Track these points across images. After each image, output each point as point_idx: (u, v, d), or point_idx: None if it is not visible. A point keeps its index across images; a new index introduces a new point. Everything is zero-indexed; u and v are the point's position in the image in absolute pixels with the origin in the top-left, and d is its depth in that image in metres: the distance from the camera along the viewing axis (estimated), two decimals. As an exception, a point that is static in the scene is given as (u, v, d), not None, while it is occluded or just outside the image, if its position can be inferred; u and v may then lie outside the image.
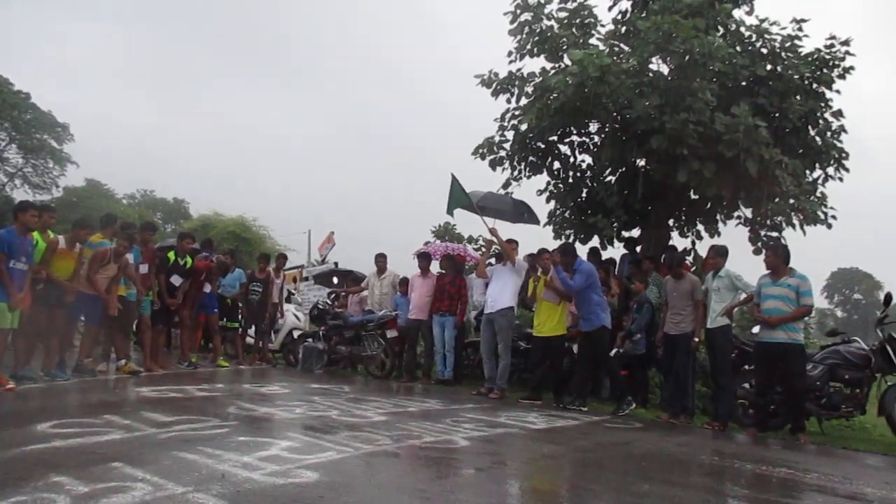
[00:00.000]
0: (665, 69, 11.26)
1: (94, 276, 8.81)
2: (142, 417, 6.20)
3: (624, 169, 12.06)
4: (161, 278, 10.29)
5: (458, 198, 10.78)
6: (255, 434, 5.89)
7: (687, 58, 10.30)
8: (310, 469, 4.67)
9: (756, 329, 8.15)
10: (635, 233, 12.61)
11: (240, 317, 12.37)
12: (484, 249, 11.74)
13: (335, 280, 16.54)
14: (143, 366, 9.91)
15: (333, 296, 13.74)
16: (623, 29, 12.39)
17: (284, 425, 6.56)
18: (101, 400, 7.52)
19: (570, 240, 12.93)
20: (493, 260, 11.41)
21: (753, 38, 11.52)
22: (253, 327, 12.66)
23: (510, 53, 12.70)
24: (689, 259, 11.78)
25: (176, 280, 10.49)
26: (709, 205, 11.94)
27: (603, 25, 12.62)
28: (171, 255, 10.57)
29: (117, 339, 9.65)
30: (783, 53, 11.33)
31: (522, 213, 11.81)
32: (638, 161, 11.72)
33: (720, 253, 8.57)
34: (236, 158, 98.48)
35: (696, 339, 8.44)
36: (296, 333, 13.70)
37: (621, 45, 11.98)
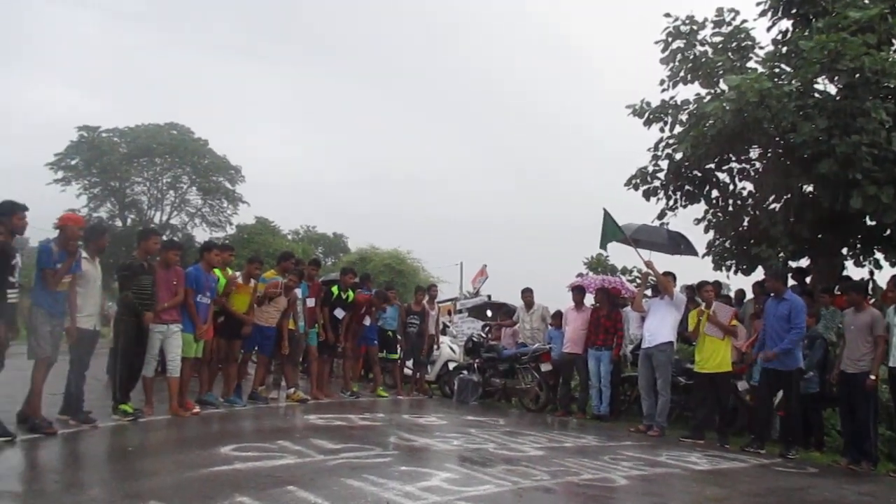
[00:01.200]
0: (832, 89, 10.64)
1: (261, 300, 9.44)
2: (311, 444, 6.58)
3: (789, 195, 11.45)
4: (325, 311, 10.87)
5: (612, 232, 10.67)
6: (416, 464, 6.09)
7: (857, 76, 9.72)
8: (469, 501, 4.79)
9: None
10: (804, 262, 11.89)
11: (398, 348, 12.79)
12: (639, 282, 11.47)
13: (489, 312, 16.77)
14: (310, 394, 10.48)
15: (487, 328, 13.89)
16: (784, 49, 11.85)
17: (443, 456, 6.73)
18: (274, 426, 8.05)
19: (732, 271, 12.42)
20: (649, 292, 11.13)
21: (934, 50, 10.66)
22: (411, 359, 13.04)
23: (662, 82, 12.52)
24: (869, 291, 10.92)
25: (339, 313, 11.05)
26: (888, 231, 11.06)
27: (761, 47, 12.17)
28: (335, 289, 11.15)
29: (287, 369, 10.28)
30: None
31: (679, 244, 11.48)
32: (805, 187, 11.10)
33: (901, 285, 7.90)
34: (391, 194, 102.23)
35: (873, 378, 7.76)
36: (451, 365, 13.95)
37: (782, 66, 11.46)
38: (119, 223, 42.50)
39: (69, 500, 4.30)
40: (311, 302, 10.58)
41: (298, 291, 10.11)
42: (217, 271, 8.99)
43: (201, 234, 44.95)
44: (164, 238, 9.84)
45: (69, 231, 6.90)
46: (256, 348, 9.89)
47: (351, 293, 11.27)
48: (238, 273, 9.53)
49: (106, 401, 7.80)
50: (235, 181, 46.86)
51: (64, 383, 7.12)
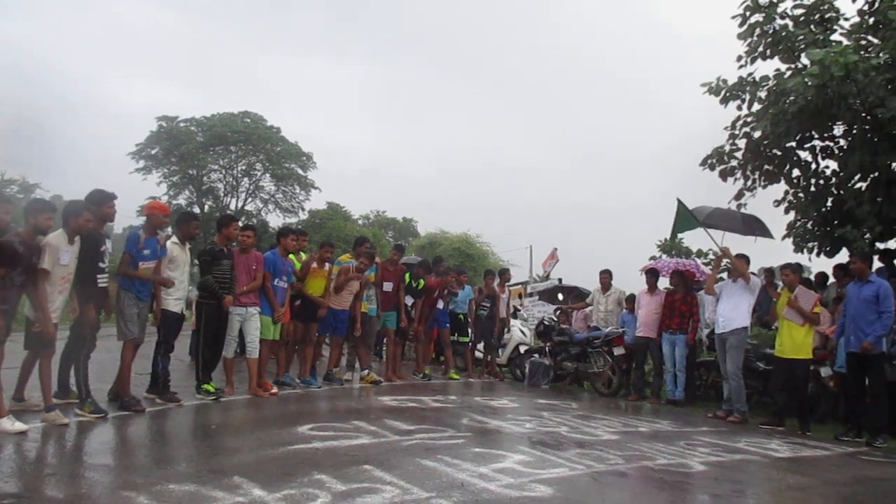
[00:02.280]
0: (925, 61, 10.08)
1: (340, 290, 9.62)
2: (385, 424, 6.70)
3: (877, 174, 10.92)
4: (402, 296, 11.01)
5: (686, 222, 10.42)
6: (489, 446, 6.13)
7: (951, 46, 9.17)
8: (543, 483, 4.79)
9: None
10: (892, 244, 11.35)
11: (469, 332, 12.84)
12: (713, 265, 11.18)
13: (560, 296, 16.64)
14: (384, 376, 10.66)
15: (558, 311, 13.82)
16: (871, 20, 11.26)
17: (516, 439, 6.75)
18: (349, 406, 8.23)
19: (814, 253, 11.97)
20: (724, 275, 10.85)
21: None
22: (482, 342, 13.09)
23: (740, 58, 12.07)
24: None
25: (408, 300, 11.17)
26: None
27: (846, 19, 11.58)
28: (407, 277, 11.28)
29: (360, 351, 10.46)
30: None
31: (754, 227, 11.13)
32: (893, 164, 10.58)
33: None
34: (457, 180, 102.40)
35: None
36: (522, 348, 13.94)
37: (869, 38, 10.91)
38: (197, 210, 43.86)
39: (159, 475, 4.50)
40: (388, 286, 10.73)
41: (385, 284, 10.30)
42: (292, 256, 9.22)
43: (275, 220, 46.20)
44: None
45: (155, 219, 7.21)
46: (332, 331, 10.10)
47: (422, 282, 11.37)
48: (314, 258, 9.74)
49: (189, 381, 8.12)
50: (307, 167, 47.77)
51: (150, 364, 7.46)
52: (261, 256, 8.51)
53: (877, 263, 10.91)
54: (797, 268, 9.52)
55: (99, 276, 6.58)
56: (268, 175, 47.55)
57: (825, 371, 9.23)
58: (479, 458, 5.48)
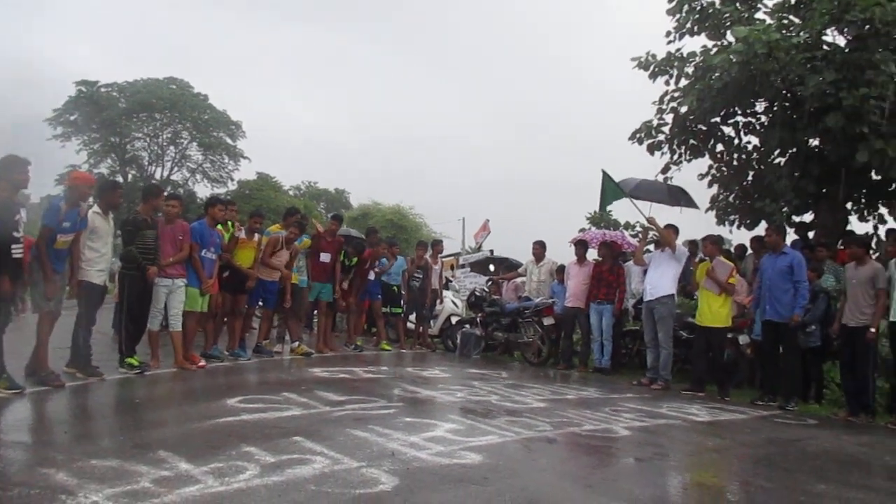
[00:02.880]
0: (841, 41, 10.48)
1: (269, 259, 9.47)
2: (316, 396, 6.66)
3: (795, 150, 11.34)
4: (339, 268, 10.91)
5: (612, 193, 10.59)
6: (420, 415, 6.17)
7: (867, 27, 9.55)
8: (473, 451, 4.85)
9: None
10: (808, 217, 11.85)
11: (402, 303, 12.85)
12: (641, 236, 11.46)
13: (491, 267, 16.79)
14: (315, 347, 10.58)
15: (490, 282, 13.95)
16: (793, 0, 11.63)
17: (447, 408, 6.81)
18: (279, 378, 8.13)
19: (735, 226, 12.39)
20: (651, 246, 11.13)
21: (946, 2, 10.44)
22: (413, 313, 13.13)
23: (668, 33, 12.31)
24: (872, 245, 10.91)
25: (325, 256, 11.01)
26: (893, 185, 10.99)
27: (770, -2, 11.91)
28: (341, 255, 11.18)
29: (291, 323, 10.35)
30: (982, 16, 10.19)
31: (679, 198, 11.45)
32: (811, 141, 11.01)
33: (903, 240, 7.89)
34: (390, 150, 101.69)
35: (873, 331, 7.80)
36: (454, 319, 14.05)
37: (791, 17, 11.25)
38: (120, 179, 42.32)
39: (79, 451, 4.36)
40: (325, 257, 10.61)
41: (322, 255, 10.19)
42: (220, 226, 9.01)
43: (203, 190, 45.01)
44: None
45: (78, 190, 6.90)
46: (261, 302, 9.95)
47: (355, 259, 11.29)
48: (242, 228, 9.54)
49: (112, 354, 7.88)
50: (236, 136, 46.68)
51: (70, 337, 7.19)
52: (187, 227, 8.28)
53: (793, 236, 11.44)
54: (717, 239, 9.83)
55: (14, 245, 6.27)
56: (195, 144, 46.22)
57: (743, 339, 9.62)
58: (410, 427, 5.51)
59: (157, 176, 45.15)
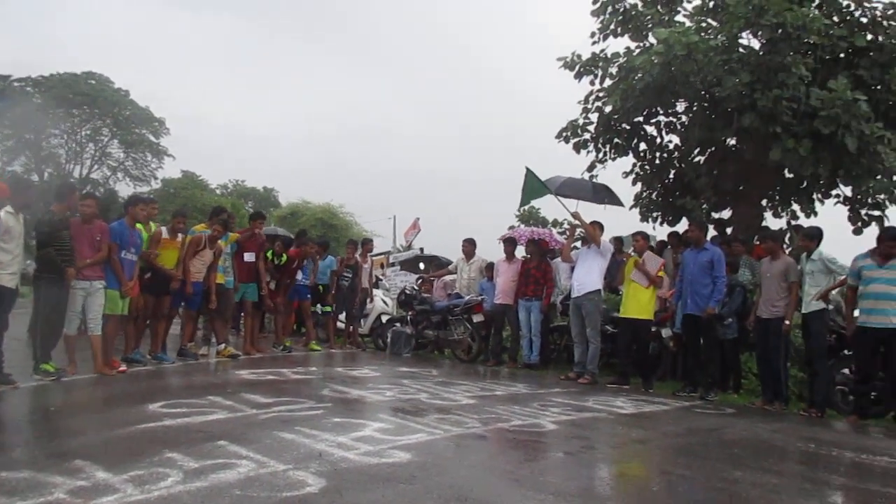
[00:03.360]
0: (756, 44, 10.90)
1: (189, 261, 9.24)
2: (242, 398, 6.53)
3: (713, 148, 11.77)
4: (263, 267, 10.73)
5: (535, 189, 10.70)
6: (349, 416, 6.12)
7: (779, 31, 9.96)
8: (402, 450, 4.84)
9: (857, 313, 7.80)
10: (726, 214, 12.29)
11: (329, 301, 12.73)
12: (568, 233, 11.67)
13: (421, 265, 16.82)
14: (242, 349, 10.38)
15: (420, 281, 13.97)
16: (711, 4, 12.04)
17: (376, 407, 6.78)
18: (204, 382, 7.95)
19: (658, 222, 12.73)
20: (578, 243, 11.33)
21: (851, 8, 10.99)
22: (343, 312, 13.02)
23: (593, 34, 12.58)
24: (786, 240, 11.40)
25: (249, 256, 10.83)
26: (805, 183, 11.52)
27: (689, 1, 12.32)
28: (269, 254, 11.00)
29: (217, 324, 10.11)
30: (885, 22, 10.76)
31: (603, 196, 11.73)
32: (728, 140, 11.42)
33: (810, 236, 8.26)
34: (320, 147, 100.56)
35: (787, 323, 8.17)
36: (384, 318, 14.00)
37: (709, 20, 11.66)
38: (35, 177, 40.56)
39: (-11, 462, 4.16)
40: (249, 256, 10.41)
41: (246, 254, 9.96)
42: (141, 227, 8.73)
43: (125, 189, 43.42)
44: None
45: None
46: (184, 304, 9.70)
47: (284, 257, 11.14)
48: (164, 227, 9.27)
49: (27, 361, 7.52)
50: (160, 133, 45.33)
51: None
52: (105, 227, 7.98)
53: (712, 232, 11.83)
54: (646, 235, 10.11)
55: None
56: (116, 141, 44.65)
57: (666, 332, 9.90)
58: (339, 427, 5.46)
59: (76, 174, 43.43)
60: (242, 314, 11.44)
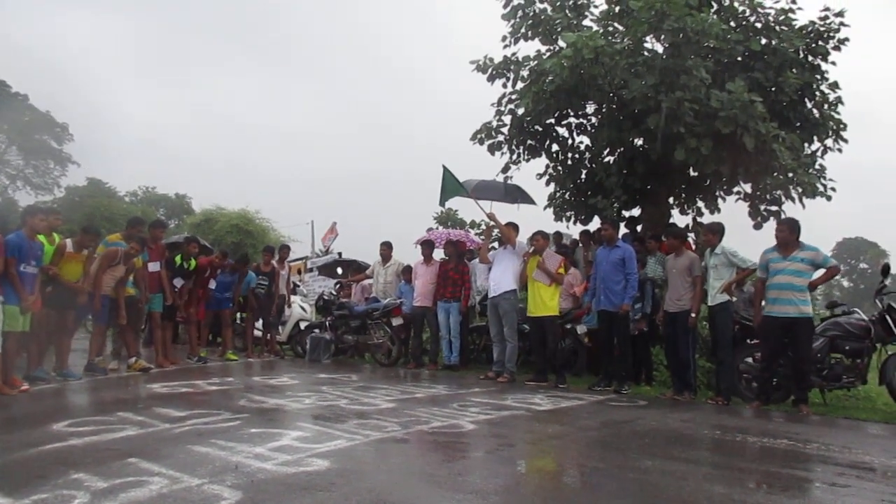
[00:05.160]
0: (659, 48, 11.28)
1: (101, 274, 8.90)
2: (155, 413, 6.32)
3: (622, 149, 12.11)
4: (166, 275, 10.41)
5: (452, 188, 10.82)
6: (266, 425, 6.01)
7: (681, 36, 10.31)
8: (320, 457, 4.79)
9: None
10: (636, 212, 12.67)
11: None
12: (484, 235, 11.81)
13: (339, 270, 16.70)
14: (154, 362, 10.05)
15: (338, 286, 13.86)
16: (617, 9, 12.38)
17: (294, 416, 6.68)
18: (113, 397, 7.65)
19: (571, 221, 13.01)
20: (495, 244, 11.47)
21: (747, 13, 11.56)
22: (260, 320, 12.79)
23: (504, 38, 12.73)
24: (692, 236, 11.84)
25: (178, 282, 10.65)
26: (708, 181, 12.00)
27: (596, 6, 12.65)
28: (178, 258, 10.70)
29: (127, 337, 9.77)
30: (777, 27, 11.36)
31: (515, 196, 11.92)
32: (636, 140, 11.77)
33: (713, 230, 8.64)
34: (235, 151, 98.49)
35: (693, 315, 8.51)
36: (303, 325, 13.83)
37: (615, 24, 11.99)
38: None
39: None
40: (154, 266, 10.09)
41: (150, 265, 9.68)
42: (43, 238, 8.33)
43: (25, 198, 41.43)
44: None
45: None
46: (92, 318, 9.33)
47: (193, 261, 10.86)
48: (68, 240, 8.88)
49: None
50: (62, 140, 43.43)
51: None
52: (1, 239, 7.58)
53: (623, 230, 12.19)
54: (546, 234, 10.27)
55: None
56: (14, 147, 42.53)
57: (581, 328, 10.15)
58: (256, 438, 5.36)
59: (-29, 183, 41.20)
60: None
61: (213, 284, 11.30)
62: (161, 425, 5.82)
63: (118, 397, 7.63)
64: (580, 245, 11.58)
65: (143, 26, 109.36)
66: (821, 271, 7.86)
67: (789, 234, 7.88)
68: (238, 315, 12.38)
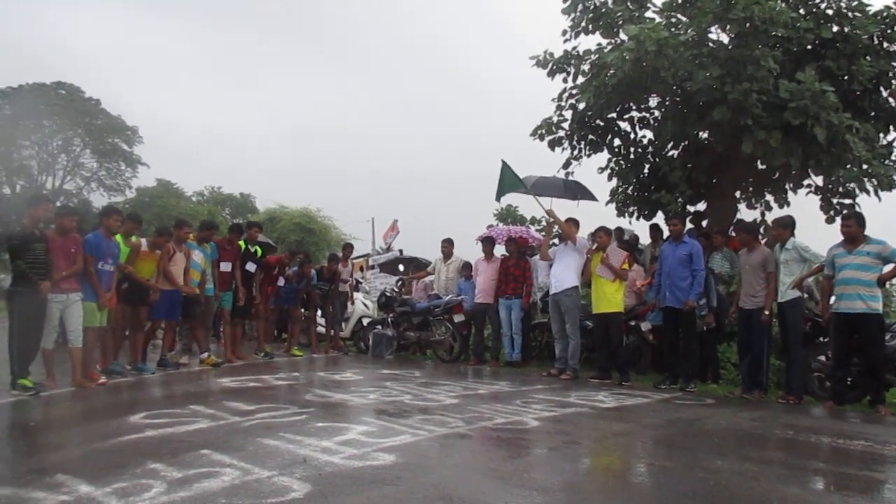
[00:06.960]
0: (725, 38, 11.00)
1: (167, 268, 9.22)
2: (225, 407, 6.51)
3: (686, 142, 11.86)
4: (238, 273, 10.69)
5: (510, 183, 10.75)
6: (333, 420, 6.11)
7: (747, 25, 10.03)
8: (386, 452, 4.85)
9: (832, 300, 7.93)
10: (701, 207, 12.41)
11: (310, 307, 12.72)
12: (545, 231, 11.73)
13: (401, 267, 16.84)
14: (224, 357, 10.33)
15: (400, 283, 13.98)
16: (680, 0, 12.14)
17: (359, 411, 6.78)
18: (185, 391, 7.91)
19: (634, 217, 12.82)
20: (556, 241, 11.40)
21: (817, 0, 11.13)
22: (323, 316, 13.00)
23: (564, 32, 12.60)
24: (761, 231, 11.52)
25: (250, 267, 10.86)
26: (777, 174, 11.63)
27: (658, -3, 12.39)
28: (242, 243, 10.95)
29: (198, 333, 10.07)
30: (850, 13, 10.90)
31: (576, 192, 11.80)
32: (700, 134, 11.52)
33: (783, 224, 8.39)
34: (299, 151, 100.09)
35: (767, 313, 8.28)
36: (365, 321, 14.01)
37: (678, 15, 11.73)
38: (7, 190, 40.03)
39: (-32, 480, 4.12)
40: (226, 266, 10.38)
41: (198, 253, 9.90)
42: (119, 238, 8.66)
43: (99, 199, 42.99)
44: (59, 204, 9.38)
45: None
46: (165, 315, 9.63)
47: (259, 248, 11.11)
48: (143, 239, 9.22)
49: (3, 377, 7.45)
50: (133, 142, 44.93)
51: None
52: (80, 239, 7.90)
53: (688, 225, 11.94)
54: (608, 230, 10.13)
55: None
56: (88, 151, 44.19)
57: (645, 325, 9.99)
58: (322, 432, 5.46)
59: (49, 185, 42.92)
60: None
61: (281, 282, 11.55)
62: (231, 418, 5.99)
63: (190, 391, 7.87)
64: (651, 240, 11.41)
65: (208, 28, 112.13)
66: (890, 265, 7.51)
67: (857, 227, 7.58)
68: (302, 311, 12.60)
